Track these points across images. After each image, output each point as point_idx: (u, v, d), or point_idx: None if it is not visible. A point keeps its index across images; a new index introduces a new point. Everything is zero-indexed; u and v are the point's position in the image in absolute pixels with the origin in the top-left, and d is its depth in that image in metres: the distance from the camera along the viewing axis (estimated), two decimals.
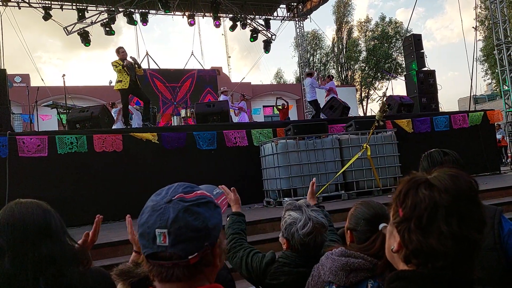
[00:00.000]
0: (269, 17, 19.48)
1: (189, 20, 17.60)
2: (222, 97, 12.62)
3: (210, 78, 19.99)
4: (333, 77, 14.87)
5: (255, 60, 56.72)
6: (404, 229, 0.95)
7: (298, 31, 21.30)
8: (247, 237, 2.35)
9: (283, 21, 20.33)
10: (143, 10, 16.89)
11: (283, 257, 2.00)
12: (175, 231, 0.91)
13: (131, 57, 9.46)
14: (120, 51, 9.21)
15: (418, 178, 0.99)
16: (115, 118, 11.13)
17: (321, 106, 11.89)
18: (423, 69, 12.21)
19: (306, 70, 17.29)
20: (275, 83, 42.08)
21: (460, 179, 0.96)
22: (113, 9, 15.83)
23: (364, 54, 38.22)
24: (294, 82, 37.69)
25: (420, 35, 12.86)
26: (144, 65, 16.94)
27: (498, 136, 14.70)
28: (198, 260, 0.92)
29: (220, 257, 1.00)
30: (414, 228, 0.93)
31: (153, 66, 19.16)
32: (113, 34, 16.16)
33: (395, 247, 0.98)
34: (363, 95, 38.25)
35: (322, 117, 11.04)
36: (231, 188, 2.35)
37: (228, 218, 2.33)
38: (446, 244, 0.90)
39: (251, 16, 18.65)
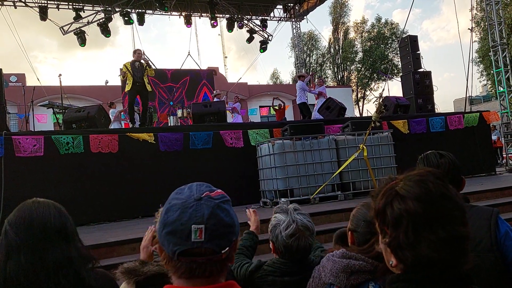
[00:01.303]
0: (265, 17, 19.50)
1: (186, 21, 17.56)
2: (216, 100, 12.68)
3: (207, 75, 19.95)
4: (324, 81, 14.89)
5: (251, 61, 56.76)
6: (396, 248, 0.96)
7: (294, 31, 21.33)
8: (248, 248, 2.36)
9: (279, 21, 20.36)
10: (140, 10, 16.83)
11: (269, 265, 1.98)
12: (211, 227, 0.93)
13: (143, 59, 9.66)
14: (136, 52, 9.67)
15: (388, 192, 0.99)
16: (112, 118, 11.09)
17: (312, 109, 11.95)
18: (419, 70, 12.25)
19: (299, 73, 17.32)
20: (272, 83, 42.08)
21: (426, 182, 0.96)
22: (110, 9, 15.78)
23: (360, 55, 38.29)
24: (291, 83, 37.71)
25: (416, 36, 12.89)
26: None
27: (493, 137, 14.75)
28: (227, 254, 0.97)
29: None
30: (404, 245, 0.94)
31: None
32: (109, 36, 16.17)
33: (394, 262, 0.99)
34: (359, 96, 38.34)
35: (316, 118, 11.05)
36: (252, 210, 2.44)
37: None
38: (439, 250, 0.92)
39: (248, 16, 18.64)
